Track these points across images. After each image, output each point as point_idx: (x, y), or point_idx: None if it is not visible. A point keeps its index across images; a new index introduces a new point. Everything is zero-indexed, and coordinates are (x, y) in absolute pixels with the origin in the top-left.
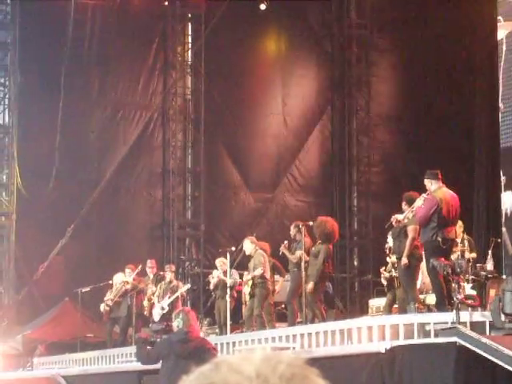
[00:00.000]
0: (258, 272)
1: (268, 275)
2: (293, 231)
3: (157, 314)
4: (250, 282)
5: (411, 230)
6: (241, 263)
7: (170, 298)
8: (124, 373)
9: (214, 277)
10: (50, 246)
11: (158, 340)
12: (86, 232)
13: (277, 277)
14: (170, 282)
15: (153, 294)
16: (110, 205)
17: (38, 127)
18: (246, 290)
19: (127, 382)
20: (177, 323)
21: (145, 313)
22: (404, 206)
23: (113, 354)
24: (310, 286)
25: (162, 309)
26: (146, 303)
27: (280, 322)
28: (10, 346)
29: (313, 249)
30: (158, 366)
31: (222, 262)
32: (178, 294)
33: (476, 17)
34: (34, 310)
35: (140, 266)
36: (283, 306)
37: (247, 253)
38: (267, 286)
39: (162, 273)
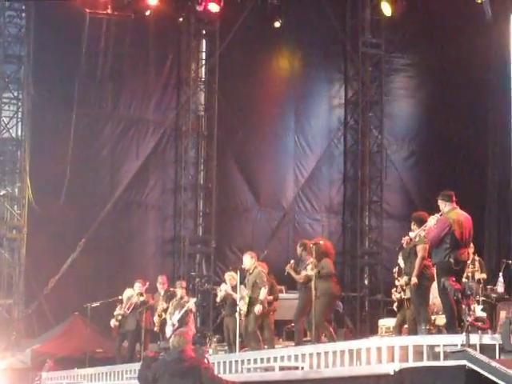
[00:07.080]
0: (263, 292)
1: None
2: (299, 250)
3: (169, 331)
4: (247, 299)
5: (420, 250)
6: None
7: (179, 313)
8: None
9: (222, 290)
10: (61, 261)
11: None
12: (97, 247)
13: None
14: (181, 298)
15: (163, 310)
16: (122, 220)
17: (51, 141)
18: (243, 306)
19: None
20: (171, 344)
21: (155, 329)
22: (413, 226)
23: (121, 369)
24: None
25: (173, 325)
26: (156, 319)
27: (289, 340)
28: (19, 359)
29: (316, 270)
30: None
31: (232, 277)
32: (185, 308)
33: (490, 40)
34: (44, 323)
35: (148, 283)
36: (292, 324)
37: (246, 267)
38: (263, 304)
39: (172, 289)
